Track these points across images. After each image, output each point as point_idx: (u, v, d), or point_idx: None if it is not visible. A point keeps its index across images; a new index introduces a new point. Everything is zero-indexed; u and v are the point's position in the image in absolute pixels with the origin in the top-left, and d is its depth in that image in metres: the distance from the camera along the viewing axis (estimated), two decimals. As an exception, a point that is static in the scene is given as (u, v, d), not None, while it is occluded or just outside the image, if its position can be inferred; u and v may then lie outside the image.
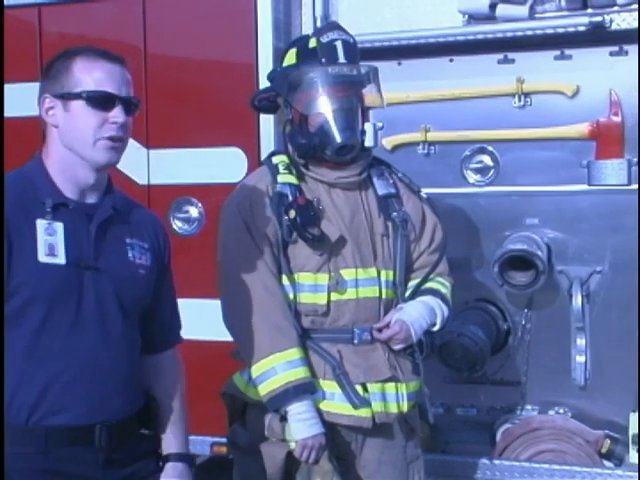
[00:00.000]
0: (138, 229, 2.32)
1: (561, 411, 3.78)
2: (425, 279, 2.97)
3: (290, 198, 2.81)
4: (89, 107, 2.16)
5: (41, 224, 2.12)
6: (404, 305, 2.92)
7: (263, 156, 3.68)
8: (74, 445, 2.16)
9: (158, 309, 2.41)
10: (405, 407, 2.87)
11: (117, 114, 2.17)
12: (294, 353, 2.73)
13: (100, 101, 2.16)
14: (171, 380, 2.44)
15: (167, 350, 2.46)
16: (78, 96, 2.16)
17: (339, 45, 2.85)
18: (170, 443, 2.40)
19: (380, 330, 2.85)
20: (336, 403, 2.78)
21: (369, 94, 2.95)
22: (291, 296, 2.81)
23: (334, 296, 2.81)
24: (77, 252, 2.15)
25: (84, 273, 2.16)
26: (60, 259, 2.13)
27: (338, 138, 2.83)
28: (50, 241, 2.12)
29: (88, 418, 2.17)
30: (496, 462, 3.68)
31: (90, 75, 2.16)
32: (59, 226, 2.14)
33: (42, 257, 2.10)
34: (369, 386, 2.81)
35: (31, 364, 2.12)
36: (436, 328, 2.97)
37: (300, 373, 2.72)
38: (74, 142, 2.18)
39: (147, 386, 2.39)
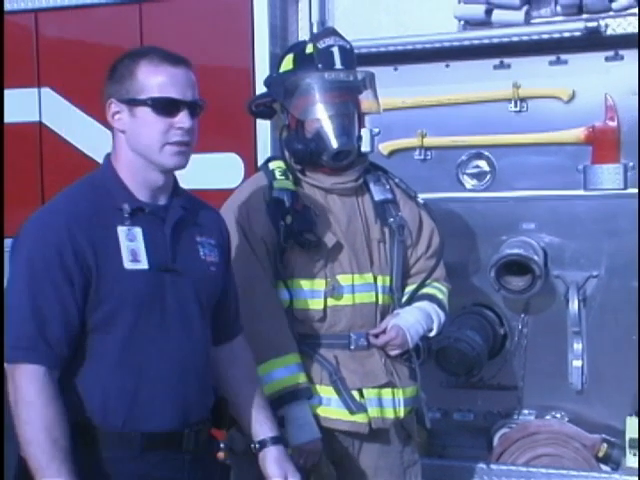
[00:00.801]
0: (206, 226, 2.34)
1: (558, 415, 3.78)
2: (422, 284, 2.98)
3: (287, 204, 2.80)
4: (154, 113, 2.15)
5: (122, 231, 2.14)
6: (400, 311, 2.92)
7: (260, 162, 3.68)
8: (166, 449, 2.18)
9: (227, 300, 2.45)
10: (402, 412, 2.88)
11: (182, 119, 2.17)
12: (291, 359, 2.73)
13: (165, 107, 2.15)
14: (246, 364, 2.47)
15: (237, 337, 2.49)
16: (143, 102, 2.15)
17: (336, 51, 2.85)
18: (265, 427, 2.41)
19: (376, 336, 2.85)
20: (333, 408, 2.78)
21: (365, 100, 2.96)
22: (288, 302, 2.81)
23: (330, 302, 2.81)
24: (157, 256, 2.17)
25: (164, 276, 2.18)
26: (143, 264, 2.15)
27: (334, 144, 2.83)
28: (132, 247, 2.14)
29: (179, 422, 2.20)
30: (493, 467, 3.68)
31: (154, 80, 2.16)
32: (138, 231, 2.16)
33: (127, 264, 2.12)
34: (365, 392, 2.81)
35: (123, 370, 2.14)
36: (433, 333, 2.98)
37: (297, 378, 2.72)
38: (141, 147, 2.18)
39: (226, 375, 2.41)
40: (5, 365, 2.07)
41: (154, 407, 2.16)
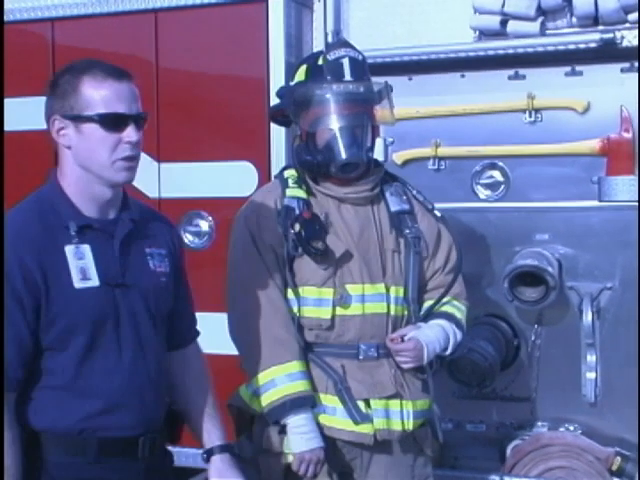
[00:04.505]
0: (155, 237, 2.36)
1: (571, 428, 3.76)
2: (439, 300, 2.96)
3: (297, 212, 2.81)
4: (102, 129, 2.15)
5: (70, 250, 2.15)
6: (422, 324, 2.90)
7: (273, 170, 3.70)
8: (122, 456, 2.21)
9: (180, 307, 2.46)
10: (410, 425, 2.85)
11: (131, 134, 2.18)
12: (294, 366, 2.73)
13: (113, 122, 2.16)
14: (200, 371, 2.50)
15: (191, 343, 2.52)
16: (90, 119, 2.15)
17: (346, 62, 2.84)
18: (213, 435, 2.43)
19: (392, 339, 2.83)
20: (337, 418, 2.77)
21: (379, 110, 2.95)
22: (295, 309, 2.81)
23: (339, 311, 2.81)
24: (106, 271, 2.18)
25: (115, 291, 2.20)
26: (94, 281, 2.16)
27: (342, 155, 2.82)
28: (81, 265, 2.15)
29: (135, 430, 2.24)
30: (506, 479, 3.67)
31: (100, 96, 2.15)
32: (86, 248, 2.17)
33: (77, 283, 2.14)
34: (372, 402, 2.80)
35: (79, 385, 2.16)
36: (447, 352, 2.95)
37: (299, 386, 2.71)
38: (90, 163, 2.19)
39: (177, 382, 2.43)
40: None
41: (113, 418, 2.18)
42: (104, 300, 2.17)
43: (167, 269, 2.35)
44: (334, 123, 2.83)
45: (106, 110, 2.14)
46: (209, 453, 2.41)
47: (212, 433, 2.43)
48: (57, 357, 2.14)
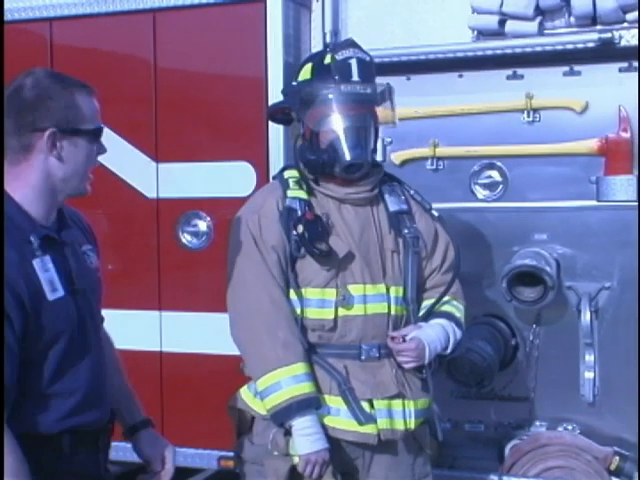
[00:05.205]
0: (82, 234, 2.39)
1: (569, 427, 3.77)
2: (439, 300, 2.96)
3: (299, 213, 2.80)
4: (90, 143, 2.20)
5: (37, 263, 2.13)
6: (423, 324, 2.90)
7: (272, 170, 3.70)
8: (88, 448, 2.26)
9: None
10: (412, 424, 2.85)
11: (104, 147, 2.25)
12: (299, 368, 2.72)
13: (98, 137, 2.22)
14: (112, 354, 2.53)
15: (102, 325, 2.54)
16: (87, 132, 2.18)
17: (354, 63, 2.83)
18: (134, 413, 2.52)
19: (392, 338, 2.83)
20: (341, 419, 2.77)
21: (381, 111, 2.94)
22: (298, 311, 2.80)
23: (341, 312, 2.80)
24: (66, 279, 2.20)
25: (76, 297, 2.22)
26: (60, 292, 2.17)
27: (347, 156, 2.82)
28: (48, 277, 2.15)
29: (99, 424, 2.29)
30: (504, 478, 3.68)
31: (91, 110, 2.20)
32: (48, 259, 2.16)
33: (50, 295, 2.14)
34: (375, 402, 2.79)
35: (56, 388, 2.17)
36: (447, 351, 2.95)
37: (305, 388, 2.70)
38: (73, 175, 2.20)
39: None
40: None
41: (83, 415, 2.22)
42: (72, 308, 2.20)
43: (97, 262, 2.39)
44: (341, 123, 2.82)
45: (96, 125, 2.20)
46: (133, 430, 2.50)
47: (133, 410, 2.52)
48: (36, 367, 2.15)
